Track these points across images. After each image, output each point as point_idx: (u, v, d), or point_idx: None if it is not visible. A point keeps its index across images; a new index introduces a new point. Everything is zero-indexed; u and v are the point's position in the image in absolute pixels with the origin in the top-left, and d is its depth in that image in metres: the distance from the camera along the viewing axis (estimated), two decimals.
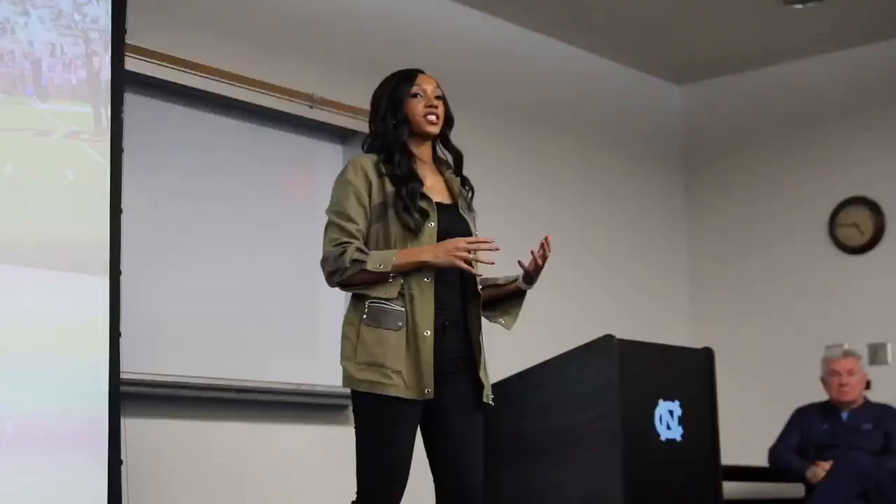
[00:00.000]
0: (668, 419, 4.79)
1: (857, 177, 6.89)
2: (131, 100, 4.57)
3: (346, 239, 3.29)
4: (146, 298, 4.72)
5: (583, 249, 6.65)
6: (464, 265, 3.24)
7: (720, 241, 7.37)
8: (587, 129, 7.01)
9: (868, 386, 6.17)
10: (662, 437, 4.75)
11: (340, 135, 5.62)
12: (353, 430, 3.37)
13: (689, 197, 7.54)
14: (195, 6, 5.08)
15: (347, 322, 3.34)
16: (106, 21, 4.29)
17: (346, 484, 5.38)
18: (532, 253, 3.41)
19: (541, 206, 6.45)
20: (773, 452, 5.98)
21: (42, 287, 3.98)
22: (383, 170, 3.36)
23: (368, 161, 3.39)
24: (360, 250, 3.26)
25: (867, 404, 5.92)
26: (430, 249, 3.26)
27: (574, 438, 4.64)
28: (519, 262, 3.43)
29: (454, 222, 3.39)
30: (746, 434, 6.34)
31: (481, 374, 3.37)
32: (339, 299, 5.49)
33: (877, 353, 6.66)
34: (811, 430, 5.94)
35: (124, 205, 4.26)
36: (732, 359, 6.43)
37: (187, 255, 4.98)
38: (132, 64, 4.57)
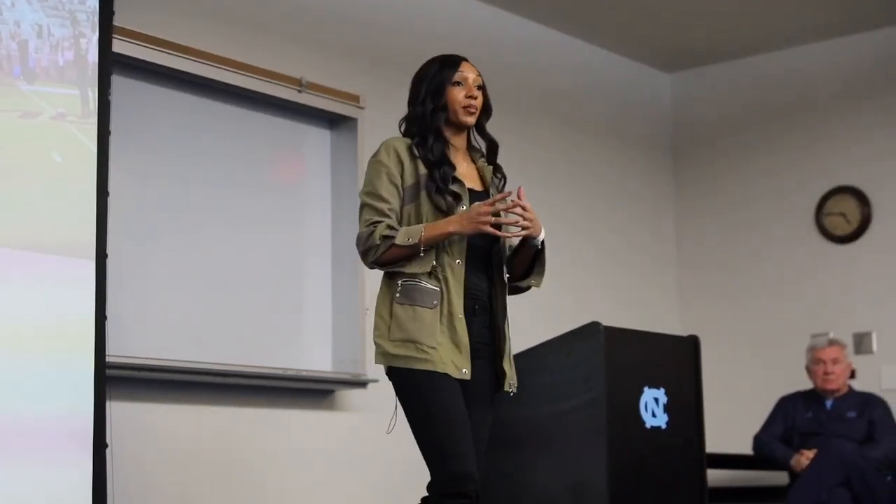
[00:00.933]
0: (653, 406, 4.80)
1: (845, 166, 6.90)
2: (119, 82, 4.55)
3: (378, 218, 3.30)
4: (133, 282, 4.71)
5: (572, 234, 6.66)
6: (491, 229, 3.24)
7: (708, 228, 7.39)
8: (577, 115, 7.01)
9: (853, 375, 6.20)
10: (648, 425, 4.77)
11: (329, 119, 5.60)
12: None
13: (677, 184, 7.54)
14: None
15: (380, 301, 3.35)
16: (93, 2, 4.27)
17: (332, 468, 5.40)
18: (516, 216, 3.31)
19: (530, 192, 6.38)
20: (757, 441, 6.00)
21: (28, 270, 3.96)
22: (416, 152, 3.37)
23: (401, 143, 3.41)
24: (389, 227, 3.28)
25: (851, 392, 5.95)
26: (455, 219, 3.27)
27: (560, 425, 4.65)
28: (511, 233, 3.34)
29: None
30: (731, 422, 6.36)
31: (505, 363, 3.38)
32: (326, 284, 5.51)
33: (861, 343, 6.69)
34: (795, 418, 5.96)
35: (111, 188, 4.25)
36: (718, 345, 6.45)
37: (174, 238, 4.96)
38: (120, 46, 4.54)
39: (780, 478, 6.07)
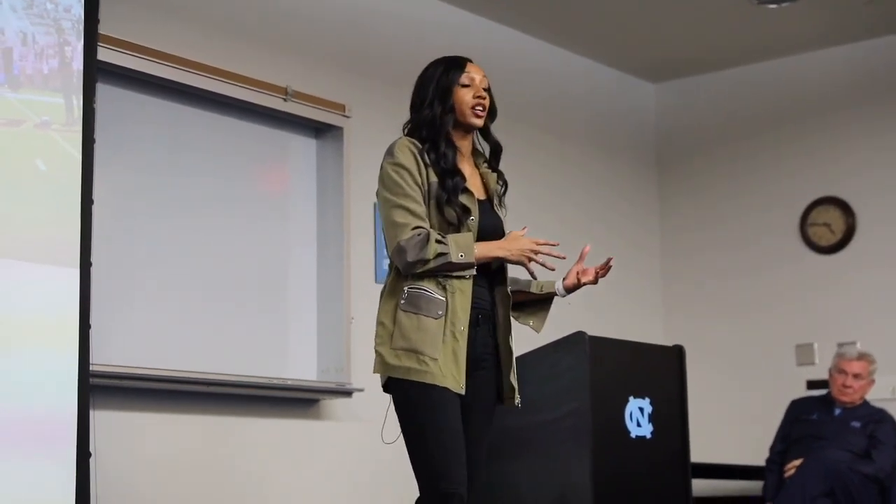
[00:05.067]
0: (638, 416, 4.81)
1: (829, 177, 6.93)
2: (104, 90, 4.53)
3: (418, 223, 3.22)
4: (117, 290, 4.70)
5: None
6: (531, 266, 3.29)
7: (692, 239, 7.40)
8: (561, 125, 7.01)
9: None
10: (633, 434, 4.77)
11: (315, 128, 5.60)
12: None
13: (661, 194, 7.56)
14: None
15: (383, 307, 3.30)
16: (79, 10, 4.25)
17: (317, 477, 5.39)
18: (595, 271, 3.52)
19: (515, 202, 6.39)
20: (768, 458, 5.97)
21: (12, 278, 3.94)
22: (427, 158, 3.29)
23: (413, 145, 3.32)
24: (439, 241, 3.20)
25: (864, 405, 5.89)
26: (504, 245, 3.29)
27: (545, 435, 4.65)
28: (577, 274, 3.53)
29: (491, 218, 3.38)
30: (716, 432, 6.37)
31: (511, 376, 3.36)
32: (311, 293, 5.50)
33: None
34: (800, 419, 5.94)
35: (96, 196, 4.23)
36: (703, 357, 6.46)
37: (159, 247, 4.95)
38: (105, 54, 4.53)
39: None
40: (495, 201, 3.44)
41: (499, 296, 3.38)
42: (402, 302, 3.23)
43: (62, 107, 4.19)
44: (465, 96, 3.36)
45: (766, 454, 6.03)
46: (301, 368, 5.41)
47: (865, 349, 6.03)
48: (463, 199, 3.29)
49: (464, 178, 3.31)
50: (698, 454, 5.25)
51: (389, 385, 3.28)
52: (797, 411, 6.01)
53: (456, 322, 3.20)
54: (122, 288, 4.76)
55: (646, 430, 4.83)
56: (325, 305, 5.47)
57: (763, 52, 7.09)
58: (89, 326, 4.14)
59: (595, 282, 3.54)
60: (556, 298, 3.57)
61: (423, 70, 3.44)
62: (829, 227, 6.89)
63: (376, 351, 3.27)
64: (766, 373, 6.87)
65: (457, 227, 3.26)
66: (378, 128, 5.79)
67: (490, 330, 3.34)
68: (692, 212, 7.43)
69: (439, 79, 3.37)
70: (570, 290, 3.54)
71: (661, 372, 5.01)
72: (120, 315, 4.72)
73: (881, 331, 6.57)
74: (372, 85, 5.81)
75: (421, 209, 3.23)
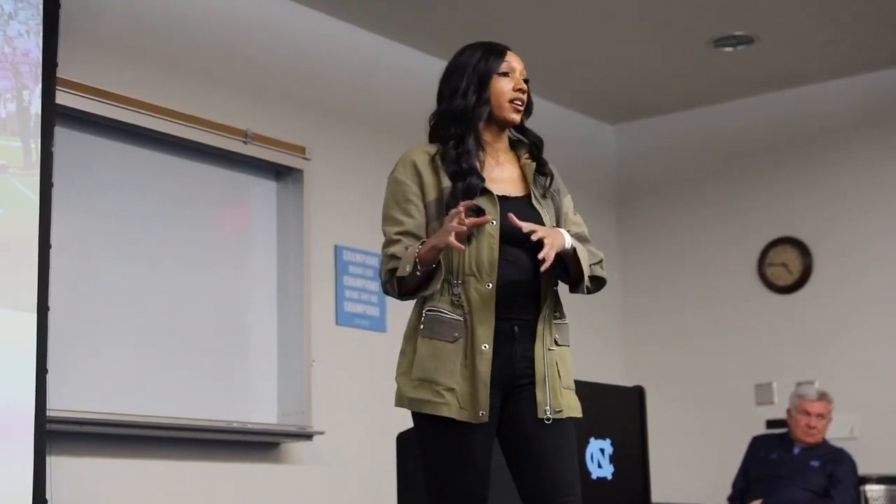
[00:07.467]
0: (599, 457, 4.81)
1: (787, 217, 6.99)
2: (63, 134, 4.52)
3: (386, 248, 2.97)
4: (75, 335, 4.66)
5: None
6: (454, 242, 2.80)
7: (652, 279, 7.44)
8: None
9: None
10: (594, 476, 4.77)
11: (275, 171, 5.60)
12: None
13: (621, 235, 7.60)
14: (128, 41, 5.05)
15: (406, 335, 3.02)
16: (37, 54, 4.25)
17: None
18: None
19: None
20: (730, 496, 5.98)
21: None
22: (439, 163, 2.99)
23: (420, 154, 3.03)
24: (393, 257, 2.93)
25: (823, 444, 5.91)
26: (437, 233, 2.87)
27: (504, 476, 4.63)
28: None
29: (520, 216, 2.93)
30: (677, 471, 6.38)
31: (538, 389, 2.95)
32: (272, 336, 5.48)
33: None
34: (760, 457, 5.95)
35: (53, 240, 4.21)
36: (663, 394, 6.47)
37: (117, 291, 4.92)
38: (63, 98, 4.52)
39: None
40: (535, 194, 3.08)
41: (546, 302, 3.00)
42: (422, 327, 2.95)
43: (20, 150, 4.18)
44: (503, 87, 3.04)
45: (726, 493, 6.05)
46: (262, 412, 5.38)
47: (823, 388, 6.07)
48: (480, 200, 2.94)
49: (481, 179, 2.97)
50: (659, 494, 5.26)
51: (412, 417, 3.00)
52: (758, 448, 6.03)
53: (476, 342, 2.91)
54: (81, 332, 4.72)
55: (607, 471, 4.83)
56: (286, 348, 5.45)
57: (721, 94, 7.17)
58: (46, 371, 4.11)
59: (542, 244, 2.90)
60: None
61: (456, 55, 3.09)
62: (787, 266, 6.95)
63: (396, 381, 3.01)
64: (726, 412, 6.90)
65: (475, 235, 2.92)
66: (338, 170, 5.82)
67: (530, 342, 2.97)
68: (652, 251, 7.48)
69: (476, 65, 3.03)
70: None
71: (622, 413, 5.02)
72: (78, 359, 4.68)
73: (839, 370, 6.62)
74: (332, 127, 5.82)
75: (396, 229, 2.96)
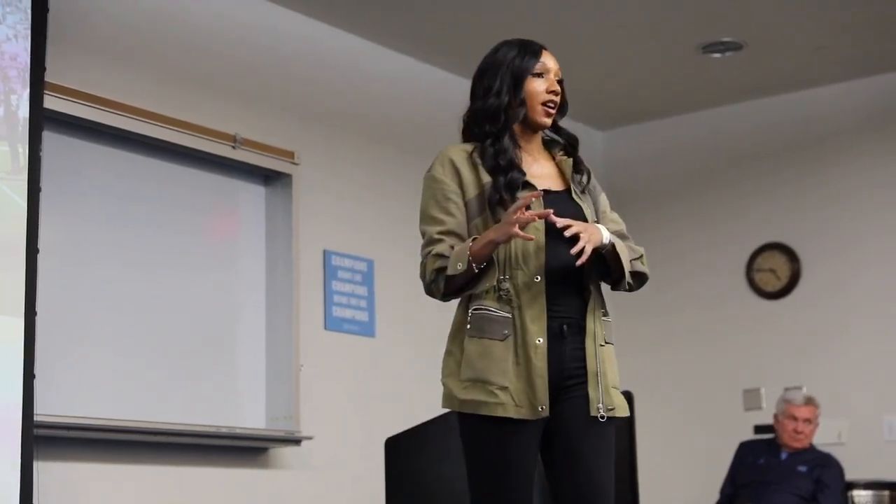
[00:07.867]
0: None
1: (775, 222, 7.01)
2: (50, 138, 4.51)
3: (430, 247, 2.93)
4: (62, 339, 4.65)
5: None
6: (519, 232, 2.78)
7: None
8: None
9: None
10: None
11: (264, 175, 5.59)
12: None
13: None
14: (117, 45, 5.05)
15: (451, 335, 2.98)
16: (25, 58, 4.24)
17: None
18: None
19: None
20: (718, 501, 5.99)
21: None
22: (477, 160, 2.97)
23: (458, 152, 3.01)
24: (439, 256, 2.89)
25: (811, 449, 5.94)
26: (495, 227, 2.84)
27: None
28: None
29: (566, 209, 2.96)
30: (664, 476, 6.38)
31: (590, 387, 2.93)
32: (260, 340, 5.47)
33: None
34: (748, 463, 5.96)
35: (41, 244, 4.20)
36: (650, 400, 6.47)
37: (105, 295, 4.91)
38: (51, 102, 4.51)
39: None
40: (574, 189, 3.06)
41: (592, 300, 2.99)
42: (469, 327, 2.91)
43: (7, 154, 4.17)
44: (538, 87, 3.02)
45: (714, 498, 6.05)
46: (250, 417, 5.37)
47: (811, 393, 6.08)
48: (521, 194, 2.91)
49: (522, 173, 2.95)
50: (647, 499, 5.26)
51: (459, 419, 2.95)
52: (745, 454, 6.04)
53: (528, 338, 2.87)
54: (68, 337, 4.71)
55: None
56: (274, 353, 5.45)
57: (708, 100, 7.19)
58: (34, 376, 4.10)
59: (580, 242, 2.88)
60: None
61: (491, 52, 3.08)
62: (775, 272, 6.96)
63: (443, 383, 2.96)
64: (715, 417, 6.91)
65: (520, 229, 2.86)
66: (327, 174, 5.82)
67: (580, 341, 2.95)
68: None
69: (511, 64, 3.00)
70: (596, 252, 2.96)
71: None
72: (66, 364, 4.67)
73: (827, 375, 6.64)
74: (321, 132, 5.82)
75: (438, 228, 2.93)
